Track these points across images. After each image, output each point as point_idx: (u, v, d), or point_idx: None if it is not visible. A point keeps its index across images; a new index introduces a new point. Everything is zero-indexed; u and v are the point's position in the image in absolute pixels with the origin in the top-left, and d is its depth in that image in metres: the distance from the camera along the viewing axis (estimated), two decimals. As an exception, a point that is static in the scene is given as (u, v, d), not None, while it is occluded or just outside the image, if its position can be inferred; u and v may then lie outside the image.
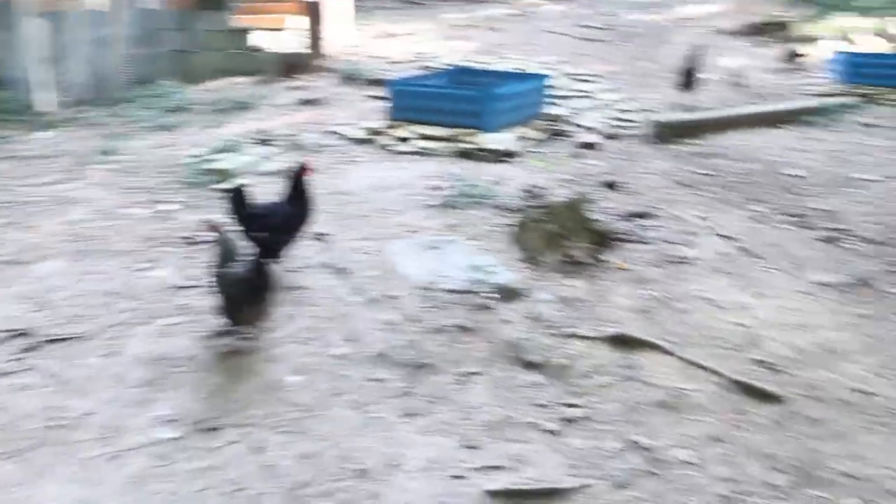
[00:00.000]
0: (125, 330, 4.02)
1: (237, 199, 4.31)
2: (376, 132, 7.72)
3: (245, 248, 3.99)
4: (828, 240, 5.27)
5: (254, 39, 10.79)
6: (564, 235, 4.65)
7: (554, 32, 14.86)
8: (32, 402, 3.43)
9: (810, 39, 13.97)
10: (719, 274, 4.66)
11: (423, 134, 7.48)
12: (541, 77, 8.38)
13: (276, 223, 4.33)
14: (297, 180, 4.42)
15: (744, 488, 3.01)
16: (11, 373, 3.66)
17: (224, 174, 6.41)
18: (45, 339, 3.93)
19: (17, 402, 3.43)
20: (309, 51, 10.53)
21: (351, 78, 9.97)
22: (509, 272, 4.42)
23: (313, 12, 10.75)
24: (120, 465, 3.04)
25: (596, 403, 3.46)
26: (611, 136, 7.90)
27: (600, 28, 15.10)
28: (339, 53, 11.38)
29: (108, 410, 3.37)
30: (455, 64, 10.19)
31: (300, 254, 4.66)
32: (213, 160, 6.77)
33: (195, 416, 3.32)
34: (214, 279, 3.76)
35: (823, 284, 4.61)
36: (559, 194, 5.64)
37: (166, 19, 10.43)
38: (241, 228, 4.30)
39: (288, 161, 6.85)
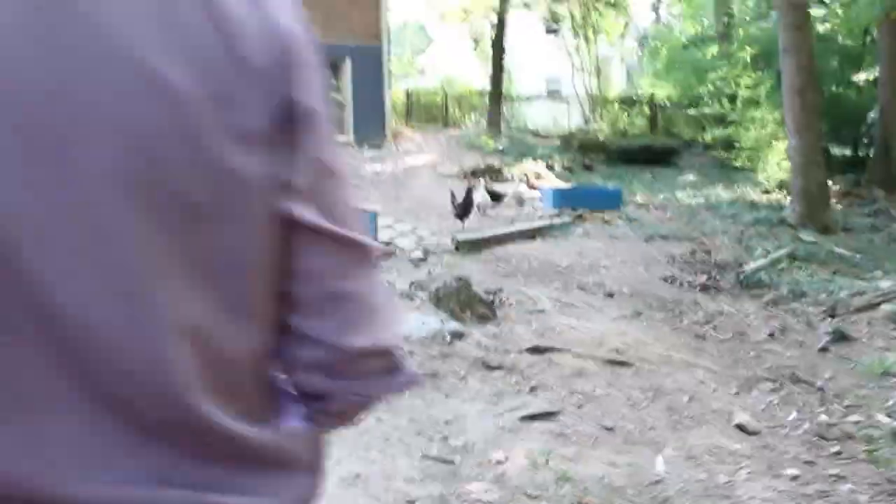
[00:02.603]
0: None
1: None
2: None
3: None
4: (607, 296, 8.44)
5: None
6: (470, 302, 7.20)
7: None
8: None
9: (509, 180, 18.47)
10: (564, 315, 7.51)
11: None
12: (372, 214, 10.98)
13: None
14: None
15: (634, 402, 5.69)
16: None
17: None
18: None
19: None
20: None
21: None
22: (454, 323, 6.85)
23: None
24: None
25: (542, 377, 5.98)
26: (428, 253, 10.66)
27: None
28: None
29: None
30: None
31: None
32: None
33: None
34: None
35: (620, 316, 7.67)
36: (435, 286, 8.19)
37: None
38: None
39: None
